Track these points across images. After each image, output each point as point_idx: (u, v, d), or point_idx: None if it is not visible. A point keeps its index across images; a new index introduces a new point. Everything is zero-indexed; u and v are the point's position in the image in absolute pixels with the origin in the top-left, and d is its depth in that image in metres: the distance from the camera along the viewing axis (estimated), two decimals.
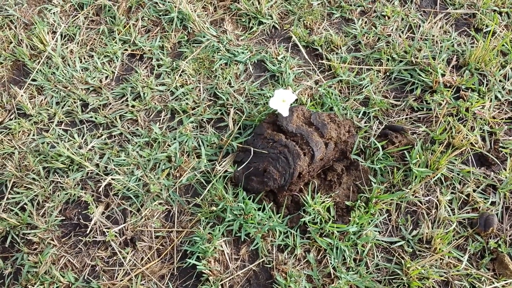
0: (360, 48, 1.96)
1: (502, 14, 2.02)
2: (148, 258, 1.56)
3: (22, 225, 1.62)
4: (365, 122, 1.77)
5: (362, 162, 1.66)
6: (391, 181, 1.63)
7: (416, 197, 1.60)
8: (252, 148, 1.62)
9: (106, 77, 1.96)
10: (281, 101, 1.63)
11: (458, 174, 1.64)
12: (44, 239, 1.60)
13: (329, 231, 1.53)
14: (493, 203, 1.60)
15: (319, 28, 2.03)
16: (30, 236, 1.60)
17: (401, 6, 2.07)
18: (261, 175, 1.57)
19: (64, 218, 1.64)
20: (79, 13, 2.15)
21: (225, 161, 1.68)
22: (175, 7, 2.06)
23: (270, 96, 1.79)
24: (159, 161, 1.71)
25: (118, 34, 2.06)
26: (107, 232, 1.58)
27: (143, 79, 1.91)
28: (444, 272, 1.48)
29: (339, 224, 1.54)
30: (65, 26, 2.10)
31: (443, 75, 1.82)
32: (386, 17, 2.04)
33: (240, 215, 1.56)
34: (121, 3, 2.13)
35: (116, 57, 2.00)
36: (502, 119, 1.76)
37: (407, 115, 1.79)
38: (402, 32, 1.99)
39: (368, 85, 1.84)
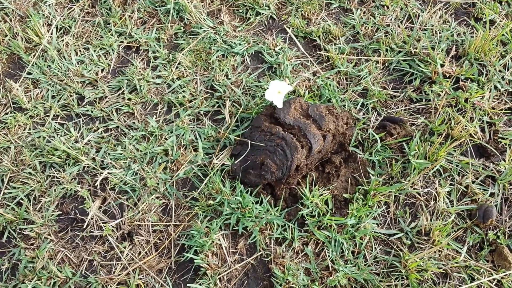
0: (359, 38, 1.94)
1: (502, 3, 2.00)
2: (146, 252, 1.55)
3: (18, 220, 1.62)
4: (363, 114, 1.75)
5: (360, 154, 1.65)
6: (390, 173, 1.62)
7: (414, 189, 1.59)
8: (249, 141, 1.61)
9: (102, 70, 1.94)
10: (276, 92, 1.61)
11: (457, 166, 1.63)
12: (41, 234, 1.59)
13: (327, 224, 1.52)
14: (492, 195, 1.59)
15: (317, 18, 2.00)
16: (27, 231, 1.60)
17: None
18: (259, 168, 1.56)
19: (60, 212, 1.63)
20: (75, 5, 2.12)
21: (222, 154, 1.67)
22: None
23: (267, 88, 1.77)
24: (156, 154, 1.70)
25: (114, 26, 2.04)
26: (104, 226, 1.58)
27: (140, 71, 1.90)
28: (443, 264, 1.47)
29: (337, 216, 1.53)
30: (60, 19, 2.08)
31: (442, 66, 1.80)
32: (385, 7, 2.02)
33: (238, 208, 1.55)
34: None
35: (112, 50, 1.99)
36: (502, 109, 1.74)
37: (405, 106, 1.77)
38: (401, 22, 1.97)
39: (366, 76, 1.82)
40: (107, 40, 1.99)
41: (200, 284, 1.47)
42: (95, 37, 2.03)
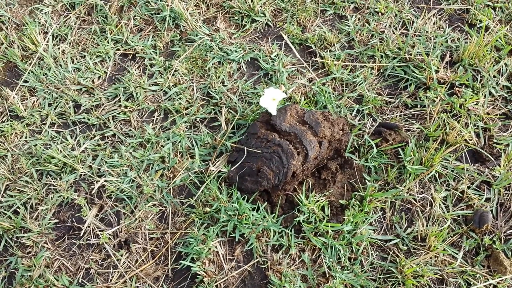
0: (354, 45, 1.95)
1: (495, 9, 2.01)
2: (143, 260, 1.55)
3: (15, 229, 1.62)
4: (359, 120, 1.76)
5: (356, 160, 1.66)
6: (385, 179, 1.63)
7: (410, 194, 1.60)
8: (245, 148, 1.62)
9: (99, 78, 1.95)
10: (271, 99, 1.62)
11: (452, 171, 1.64)
12: (37, 242, 1.59)
13: (323, 230, 1.52)
14: (487, 200, 1.60)
15: (312, 25, 2.02)
16: (23, 239, 1.59)
17: (394, 2, 2.06)
18: (255, 175, 1.57)
19: (57, 221, 1.63)
20: (71, 13, 2.13)
21: (218, 161, 1.68)
22: (167, 5, 2.05)
23: (262, 95, 1.78)
24: (152, 162, 1.70)
25: (110, 34, 2.04)
26: (101, 234, 1.58)
27: (136, 79, 1.90)
28: (439, 270, 1.48)
29: (333, 223, 1.53)
30: (56, 26, 2.08)
31: (436, 72, 1.81)
32: (380, 14, 2.03)
33: (234, 215, 1.55)
34: (113, 2, 2.12)
35: (108, 57, 1.99)
36: (496, 115, 1.75)
37: (401, 112, 1.78)
38: (396, 29, 1.98)
39: (361, 83, 1.83)
40: (103, 47, 2.00)
41: None
42: (91, 45, 2.03)
